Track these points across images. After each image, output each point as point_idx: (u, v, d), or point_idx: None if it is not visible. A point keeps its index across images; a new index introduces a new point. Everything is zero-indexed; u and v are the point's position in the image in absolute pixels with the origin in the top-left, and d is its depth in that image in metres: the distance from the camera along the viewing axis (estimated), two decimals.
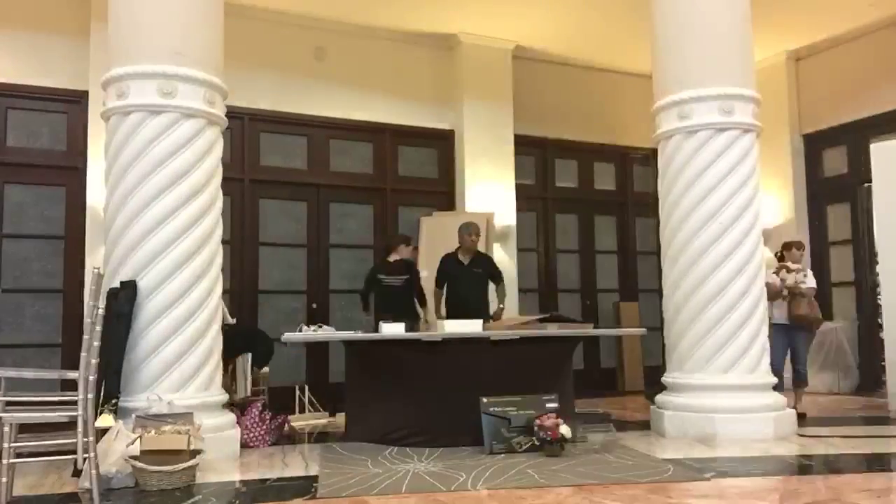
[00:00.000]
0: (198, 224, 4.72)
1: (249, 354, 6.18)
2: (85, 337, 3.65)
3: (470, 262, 6.62)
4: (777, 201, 9.17)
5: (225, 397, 4.97)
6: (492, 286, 6.80)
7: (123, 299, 4.49)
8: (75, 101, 6.90)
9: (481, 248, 7.06)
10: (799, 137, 9.19)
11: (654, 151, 5.97)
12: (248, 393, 6.24)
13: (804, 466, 4.36)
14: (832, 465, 4.38)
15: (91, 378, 3.66)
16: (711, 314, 5.32)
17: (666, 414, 5.47)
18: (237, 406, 5.49)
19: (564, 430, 4.65)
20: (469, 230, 6.55)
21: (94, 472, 3.64)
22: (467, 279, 6.60)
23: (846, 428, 5.81)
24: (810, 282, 6.85)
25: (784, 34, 8.53)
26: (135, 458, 3.87)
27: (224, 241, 5.15)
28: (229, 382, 5.80)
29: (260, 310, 7.61)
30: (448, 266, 6.66)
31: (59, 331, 6.77)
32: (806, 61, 9.17)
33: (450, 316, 6.40)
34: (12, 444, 3.59)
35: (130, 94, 4.69)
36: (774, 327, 6.07)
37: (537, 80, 9.00)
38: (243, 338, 6.13)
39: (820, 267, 8.95)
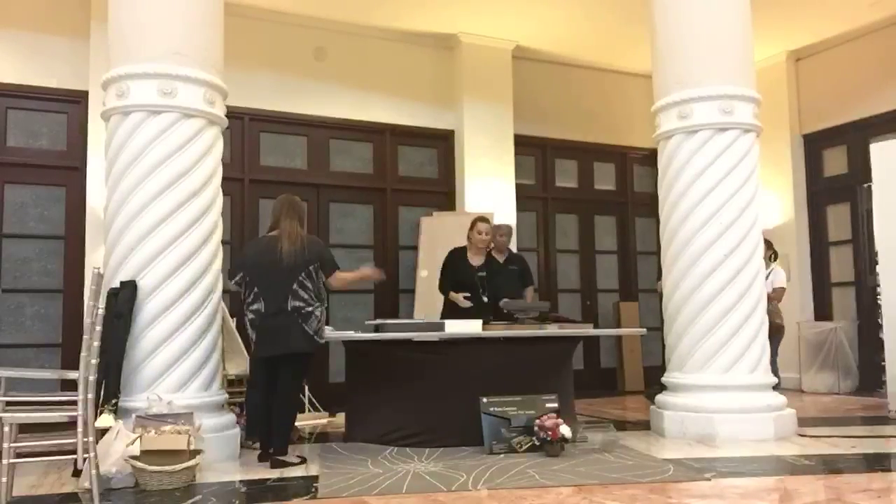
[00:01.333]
0: (198, 224, 4.71)
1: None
2: (85, 337, 3.65)
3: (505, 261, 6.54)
4: (777, 201, 9.17)
5: (225, 397, 4.97)
6: None
7: (123, 299, 4.49)
8: (75, 101, 6.89)
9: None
10: (799, 137, 9.19)
11: (655, 151, 5.97)
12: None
13: (804, 466, 4.36)
14: (832, 465, 4.38)
15: (91, 378, 3.66)
16: (711, 314, 5.31)
17: (666, 414, 5.47)
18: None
19: (565, 430, 4.65)
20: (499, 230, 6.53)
21: (94, 472, 3.64)
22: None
23: (846, 428, 5.81)
24: (778, 281, 6.84)
25: (784, 34, 8.53)
26: (135, 458, 3.87)
27: (224, 242, 5.15)
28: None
29: None
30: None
31: (59, 331, 6.77)
32: (806, 61, 9.17)
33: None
34: (12, 444, 3.59)
35: (130, 94, 4.68)
36: None
37: (537, 80, 9.00)
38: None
39: (820, 267, 8.97)
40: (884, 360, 6.71)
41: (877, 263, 7.01)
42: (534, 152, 9.07)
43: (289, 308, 4.57)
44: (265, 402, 4.73)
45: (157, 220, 4.59)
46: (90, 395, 3.66)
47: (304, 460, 4.58)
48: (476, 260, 6.22)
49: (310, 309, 4.63)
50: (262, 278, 4.62)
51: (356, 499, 3.65)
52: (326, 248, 5.04)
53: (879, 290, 6.90)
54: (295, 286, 4.59)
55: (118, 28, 4.82)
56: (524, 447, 4.80)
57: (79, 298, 6.50)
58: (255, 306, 4.63)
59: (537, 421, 4.75)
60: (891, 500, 3.59)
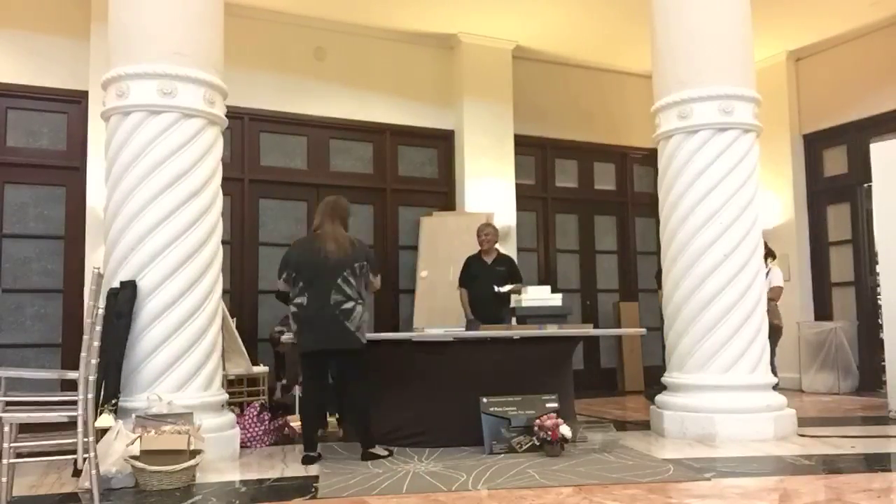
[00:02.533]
0: (198, 224, 4.71)
1: None
2: (85, 337, 3.65)
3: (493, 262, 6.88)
4: (777, 201, 9.17)
5: (225, 397, 4.97)
6: None
7: (123, 299, 4.49)
8: (75, 101, 6.90)
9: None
10: (799, 137, 9.19)
11: (655, 151, 5.97)
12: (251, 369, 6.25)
13: (804, 466, 4.36)
14: (832, 465, 4.38)
15: (91, 378, 3.66)
16: (711, 314, 5.31)
17: (666, 414, 5.47)
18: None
19: (565, 430, 4.65)
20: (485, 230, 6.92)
21: (94, 472, 3.63)
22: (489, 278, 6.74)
23: (846, 428, 5.81)
24: (775, 280, 6.86)
25: (784, 34, 8.53)
26: (135, 458, 3.87)
27: (224, 241, 5.15)
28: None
29: (260, 310, 7.61)
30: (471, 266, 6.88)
31: (59, 331, 6.78)
32: (806, 61, 9.17)
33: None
34: (12, 444, 3.59)
35: (130, 94, 4.69)
36: None
37: (537, 80, 9.00)
38: None
39: (820, 267, 8.97)
40: (884, 360, 6.71)
41: (877, 263, 7.01)
42: (534, 152, 9.07)
43: (331, 302, 4.70)
44: (314, 399, 4.88)
45: (157, 220, 4.60)
46: (90, 395, 3.65)
47: (391, 453, 4.78)
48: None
49: (350, 305, 4.73)
50: (307, 274, 4.76)
51: (356, 499, 3.65)
52: (371, 250, 5.24)
53: (879, 290, 6.90)
54: (339, 282, 4.73)
55: (118, 28, 4.82)
56: (524, 447, 4.79)
57: (79, 298, 6.51)
58: (298, 300, 4.77)
59: (537, 421, 4.75)
60: (891, 500, 3.59)
